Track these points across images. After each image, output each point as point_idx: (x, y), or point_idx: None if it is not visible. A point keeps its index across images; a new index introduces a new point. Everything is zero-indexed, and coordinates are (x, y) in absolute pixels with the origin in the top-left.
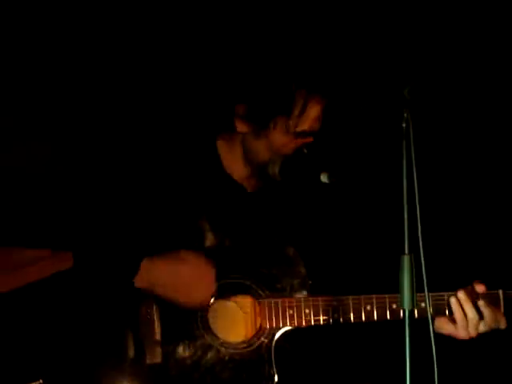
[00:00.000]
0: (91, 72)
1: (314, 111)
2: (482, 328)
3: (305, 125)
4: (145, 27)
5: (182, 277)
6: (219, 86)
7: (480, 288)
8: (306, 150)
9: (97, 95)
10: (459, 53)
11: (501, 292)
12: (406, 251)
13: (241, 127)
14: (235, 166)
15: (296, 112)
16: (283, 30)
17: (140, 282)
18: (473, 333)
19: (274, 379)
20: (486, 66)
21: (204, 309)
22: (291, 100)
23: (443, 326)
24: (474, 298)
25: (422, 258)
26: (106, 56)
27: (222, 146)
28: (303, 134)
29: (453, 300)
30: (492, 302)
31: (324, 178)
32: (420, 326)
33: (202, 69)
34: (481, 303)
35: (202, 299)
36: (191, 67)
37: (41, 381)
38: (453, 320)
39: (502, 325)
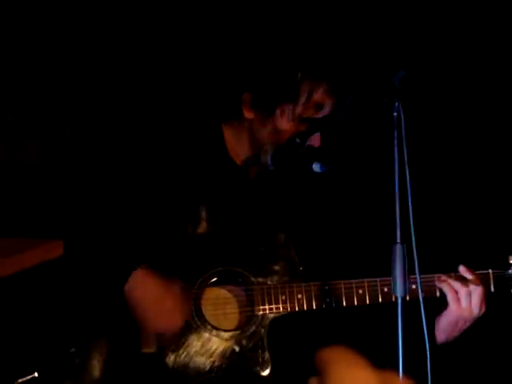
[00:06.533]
0: (93, 57)
1: (319, 97)
2: (475, 300)
3: (311, 111)
4: (149, 15)
5: (165, 307)
6: (227, 74)
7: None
8: (298, 139)
9: (98, 81)
10: (451, 41)
11: (490, 272)
12: (399, 240)
13: (248, 114)
14: (241, 151)
15: (302, 99)
16: (289, 17)
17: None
18: (467, 306)
19: (268, 365)
20: (479, 54)
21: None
22: (297, 87)
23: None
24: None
25: (414, 244)
26: (110, 41)
27: (228, 132)
28: (309, 120)
29: (442, 284)
30: (482, 281)
31: (316, 168)
32: (411, 305)
33: (210, 56)
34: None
35: (168, 334)
36: (200, 54)
37: (36, 374)
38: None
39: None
